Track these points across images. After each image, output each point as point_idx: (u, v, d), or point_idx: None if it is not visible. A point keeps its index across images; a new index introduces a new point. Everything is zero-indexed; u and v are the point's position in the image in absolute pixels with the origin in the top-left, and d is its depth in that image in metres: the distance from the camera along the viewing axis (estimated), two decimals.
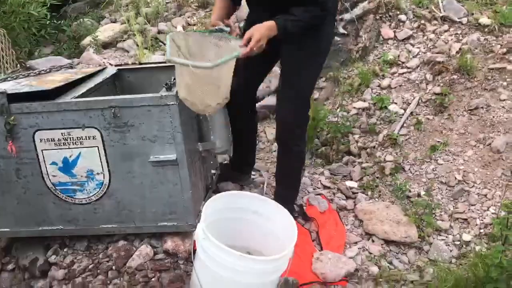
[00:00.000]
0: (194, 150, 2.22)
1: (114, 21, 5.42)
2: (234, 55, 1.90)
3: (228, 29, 2.12)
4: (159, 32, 4.72)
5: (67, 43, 5.22)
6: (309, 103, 2.36)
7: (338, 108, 3.42)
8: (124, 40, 4.85)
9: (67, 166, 2.08)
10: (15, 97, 1.99)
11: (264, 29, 2.00)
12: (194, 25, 4.59)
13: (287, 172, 2.47)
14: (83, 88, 2.18)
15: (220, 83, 1.94)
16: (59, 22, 5.46)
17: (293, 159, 2.43)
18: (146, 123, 2.00)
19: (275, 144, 3.27)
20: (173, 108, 1.97)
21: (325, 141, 3.22)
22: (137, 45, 4.52)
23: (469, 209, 2.66)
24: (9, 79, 2.27)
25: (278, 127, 2.34)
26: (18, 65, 2.44)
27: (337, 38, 3.58)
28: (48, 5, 4.41)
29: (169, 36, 1.98)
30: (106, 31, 4.94)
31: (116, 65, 2.60)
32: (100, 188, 2.10)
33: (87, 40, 4.86)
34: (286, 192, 2.50)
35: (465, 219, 2.62)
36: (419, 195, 2.78)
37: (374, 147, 3.15)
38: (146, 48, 4.41)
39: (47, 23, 5.01)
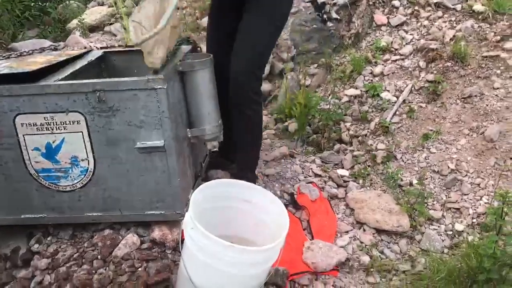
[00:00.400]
0: (183, 136, 2.15)
1: (102, 4, 5.29)
2: (172, 9, 1.88)
3: None
4: None
5: (52, 26, 5.09)
6: (262, 64, 2.29)
7: (330, 95, 3.36)
8: (111, 24, 4.75)
9: (50, 152, 1.99)
10: None
11: None
12: (184, 8, 4.48)
13: (243, 138, 2.38)
14: (67, 71, 2.09)
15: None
16: (44, 4, 5.32)
17: (248, 123, 2.33)
18: (132, 107, 1.92)
19: (267, 131, 3.22)
20: (160, 92, 1.89)
21: (317, 129, 3.17)
22: (125, 29, 4.40)
23: (461, 199, 2.63)
24: None
25: (230, 88, 2.24)
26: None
27: (329, 24, 3.51)
28: None
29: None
30: (93, 14, 4.82)
31: (102, 48, 2.50)
32: (85, 175, 2.02)
33: (73, 23, 4.74)
34: (245, 159, 2.45)
35: (458, 209, 2.59)
36: (411, 184, 2.74)
37: (365, 135, 3.10)
38: None
39: (31, 5, 4.88)
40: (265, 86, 3.50)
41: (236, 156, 2.51)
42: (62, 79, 1.99)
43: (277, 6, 2.20)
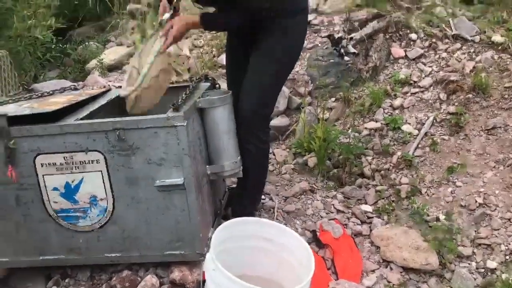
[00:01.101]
0: (202, 173, 2.11)
1: (120, 45, 5.40)
2: (154, 55, 2.01)
3: (167, 15, 2.11)
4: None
5: (72, 67, 5.18)
6: (268, 102, 2.27)
7: (349, 128, 3.31)
8: (129, 63, 4.81)
9: (69, 192, 1.97)
10: (15, 120, 1.91)
11: (186, 20, 2.08)
12: (201, 47, 4.55)
13: (247, 174, 2.28)
14: (86, 110, 2.09)
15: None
16: (65, 46, 5.45)
17: (252, 160, 2.26)
18: (152, 145, 1.90)
19: (285, 166, 3.17)
20: (180, 129, 1.87)
21: (337, 163, 3.11)
22: None
23: (492, 234, 2.52)
24: (10, 101, 2.18)
25: (239, 126, 2.21)
26: (21, 88, 2.35)
27: (346, 58, 3.50)
28: (54, 29, 4.37)
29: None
30: (111, 54, 4.91)
31: (120, 87, 2.51)
32: (104, 214, 1.99)
33: (93, 63, 4.82)
34: (242, 196, 2.39)
35: (489, 245, 2.48)
36: (438, 219, 2.64)
37: (388, 169, 3.03)
38: None
39: (53, 47, 4.98)
40: (283, 121, 3.48)
41: (238, 190, 2.46)
42: (81, 118, 1.98)
43: (283, 45, 2.18)
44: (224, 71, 3.92)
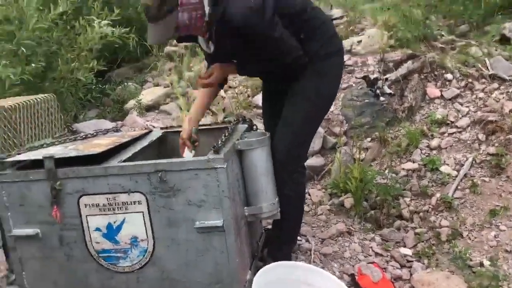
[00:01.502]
0: (241, 215, 2.12)
1: (157, 85, 5.57)
2: None
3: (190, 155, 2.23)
4: None
5: (111, 107, 5.36)
6: (302, 144, 2.29)
7: (386, 169, 3.28)
8: (166, 103, 4.95)
9: (111, 233, 2.00)
10: (61, 162, 1.98)
11: (223, 67, 2.18)
12: (235, 87, 4.64)
13: (281, 214, 2.24)
14: (129, 152, 2.15)
15: None
16: (104, 86, 5.66)
17: (286, 200, 2.24)
18: (193, 187, 1.93)
19: (321, 206, 3.14)
20: (220, 171, 1.90)
21: (374, 204, 3.07)
22: (180, 108, 4.58)
23: None
24: (56, 143, 2.27)
25: (276, 164, 2.21)
26: (66, 129, 2.45)
27: (382, 98, 3.51)
28: (95, 71, 4.56)
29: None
30: (149, 95, 5.06)
31: (161, 128, 2.58)
32: (144, 255, 2.01)
33: (131, 103, 4.98)
34: (278, 237, 2.37)
35: None
36: (482, 264, 2.55)
37: (427, 211, 2.96)
38: (188, 111, 4.45)
39: (93, 87, 5.19)
40: (318, 160, 3.47)
41: (274, 231, 2.44)
42: (124, 160, 2.04)
43: (318, 87, 2.19)
44: (259, 111, 3.99)
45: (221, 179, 1.90)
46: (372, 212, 3.03)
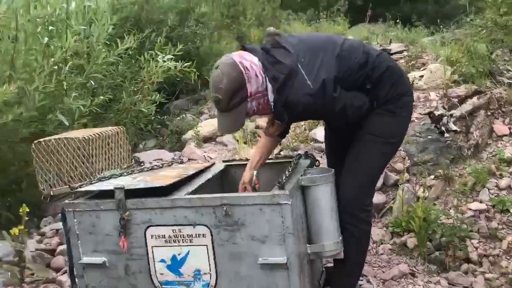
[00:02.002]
0: (303, 253, 2.08)
1: (214, 117, 5.69)
2: None
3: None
4: (257, 127, 4.84)
5: (169, 137, 5.51)
6: (372, 183, 2.29)
7: (451, 208, 3.14)
8: (223, 135, 5.02)
9: (175, 265, 2.02)
10: (130, 192, 2.03)
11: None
12: None
13: (346, 256, 2.21)
14: (194, 185, 2.19)
15: None
16: (163, 117, 5.85)
17: (351, 239, 2.20)
18: (257, 222, 1.92)
19: (382, 245, 3.04)
20: (285, 207, 1.88)
21: (439, 246, 2.92)
22: (236, 140, 4.63)
23: None
24: (125, 174, 2.34)
25: (340, 209, 2.20)
26: (133, 160, 2.52)
27: (446, 135, 3.39)
28: (158, 103, 4.72)
29: None
30: (206, 126, 5.16)
31: (223, 161, 2.61)
32: None
33: (189, 134, 5.10)
34: (340, 277, 2.31)
35: None
36: None
37: (498, 255, 2.79)
38: (245, 143, 4.50)
39: (153, 118, 5.37)
40: (379, 198, 3.38)
41: (336, 270, 2.37)
42: (190, 193, 2.07)
43: (391, 126, 2.18)
44: (317, 145, 3.97)
45: (286, 215, 1.89)
46: (437, 253, 2.89)
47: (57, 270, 3.16)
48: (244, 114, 2.05)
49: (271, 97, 2.05)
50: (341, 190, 2.18)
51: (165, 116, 5.95)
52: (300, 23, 7.21)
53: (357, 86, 2.12)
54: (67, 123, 3.57)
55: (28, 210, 2.86)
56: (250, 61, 2.01)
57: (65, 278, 2.98)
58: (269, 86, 2.04)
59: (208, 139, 4.99)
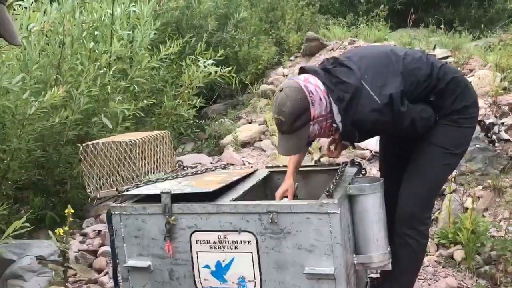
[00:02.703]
0: (350, 263, 2.02)
1: (250, 122, 5.69)
2: None
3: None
4: None
5: (207, 141, 5.55)
6: (433, 195, 2.22)
7: (501, 221, 3.01)
8: (261, 140, 5.01)
9: (219, 271, 2.01)
10: (176, 197, 2.03)
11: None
12: None
13: (400, 268, 2.18)
14: (239, 190, 2.17)
15: None
16: (201, 121, 5.90)
17: (408, 253, 2.18)
18: (304, 231, 1.88)
19: (428, 257, 2.95)
20: (333, 216, 1.84)
21: (489, 259, 2.81)
22: (275, 145, 4.61)
23: None
24: (170, 178, 2.35)
25: (396, 217, 2.20)
26: (177, 164, 2.54)
27: (496, 144, 3.26)
28: (198, 107, 4.75)
29: None
30: (244, 131, 5.17)
31: (267, 167, 2.59)
32: None
33: (227, 139, 5.11)
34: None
35: None
36: None
37: None
38: None
39: (191, 122, 5.41)
40: None
41: (388, 282, 2.30)
42: (236, 199, 2.05)
43: (456, 137, 2.12)
44: (359, 151, 3.90)
45: (334, 224, 1.84)
46: (487, 267, 2.77)
47: (99, 271, 3.22)
48: (306, 137, 2.03)
49: (337, 117, 2.03)
50: (400, 201, 2.14)
51: (203, 121, 5.99)
52: (340, 28, 7.11)
53: (421, 99, 2.08)
54: (110, 126, 3.64)
55: (72, 211, 2.93)
56: (315, 85, 2.00)
57: (106, 279, 3.02)
58: (334, 107, 2.01)
59: (246, 144, 4.99)
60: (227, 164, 4.41)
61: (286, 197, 2.23)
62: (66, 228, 2.91)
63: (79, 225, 3.93)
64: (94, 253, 3.39)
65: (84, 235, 3.73)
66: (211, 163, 4.73)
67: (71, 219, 2.98)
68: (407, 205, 2.12)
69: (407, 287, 2.27)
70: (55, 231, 2.86)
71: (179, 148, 5.39)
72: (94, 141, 2.31)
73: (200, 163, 4.68)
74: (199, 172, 2.46)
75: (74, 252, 3.37)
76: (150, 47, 4.46)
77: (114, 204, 2.13)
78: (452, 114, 2.10)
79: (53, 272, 3.01)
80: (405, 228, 2.12)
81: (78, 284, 3.11)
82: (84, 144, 2.31)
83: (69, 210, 2.91)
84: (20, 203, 3.95)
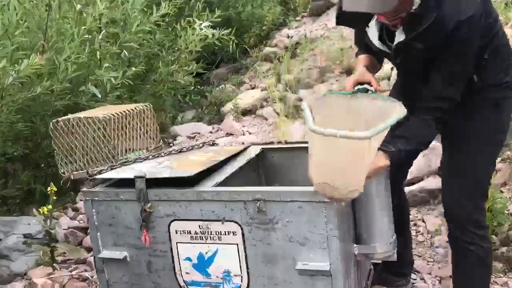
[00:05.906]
0: (349, 254, 1.80)
1: (254, 87, 5.40)
2: (394, 119, 1.50)
3: (372, 88, 1.76)
4: (300, 99, 4.51)
5: (208, 109, 5.29)
6: (484, 192, 1.90)
7: None
8: (263, 107, 4.74)
9: (202, 264, 1.80)
10: (154, 181, 1.80)
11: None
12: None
13: (466, 279, 1.96)
14: (225, 173, 1.93)
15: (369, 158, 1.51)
16: (202, 88, 5.62)
17: (471, 262, 1.90)
18: (295, 221, 1.65)
19: (438, 237, 2.71)
20: (329, 207, 1.60)
21: (506, 240, 2.56)
22: (277, 113, 4.34)
23: None
24: (150, 157, 2.11)
25: (447, 221, 1.93)
26: (161, 141, 2.30)
27: None
28: (195, 74, 4.47)
29: (305, 103, 1.63)
30: (246, 98, 4.90)
31: (260, 144, 2.33)
32: None
33: (228, 106, 4.85)
34: None
35: None
36: None
37: None
38: (286, 116, 4.20)
39: (191, 89, 5.13)
40: (435, 181, 3.01)
41: None
42: (220, 183, 1.82)
43: (496, 121, 1.81)
44: None
45: (330, 215, 1.61)
46: (504, 249, 2.53)
47: (89, 249, 3.06)
48: None
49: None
50: (445, 202, 1.91)
51: (205, 87, 5.71)
52: None
53: (479, 50, 1.69)
54: (99, 96, 3.40)
55: (55, 189, 2.75)
56: None
57: None
58: None
59: (247, 112, 4.72)
60: (227, 134, 4.18)
61: (361, 84, 1.78)
62: (50, 206, 2.74)
63: (73, 198, 3.78)
64: (84, 230, 3.23)
65: (76, 210, 3.58)
66: (211, 132, 4.49)
67: (55, 197, 2.79)
68: (453, 208, 1.87)
69: None
70: (40, 208, 2.71)
71: (178, 117, 5.16)
72: (64, 117, 2.07)
73: (198, 133, 4.45)
74: (184, 149, 2.22)
75: (64, 229, 3.21)
76: (145, 9, 4.13)
77: (85, 189, 1.92)
78: (491, 90, 1.76)
79: (41, 252, 2.87)
80: (466, 236, 1.86)
81: (67, 264, 2.95)
82: (54, 120, 2.08)
83: (52, 188, 2.73)
84: (9, 176, 3.77)
